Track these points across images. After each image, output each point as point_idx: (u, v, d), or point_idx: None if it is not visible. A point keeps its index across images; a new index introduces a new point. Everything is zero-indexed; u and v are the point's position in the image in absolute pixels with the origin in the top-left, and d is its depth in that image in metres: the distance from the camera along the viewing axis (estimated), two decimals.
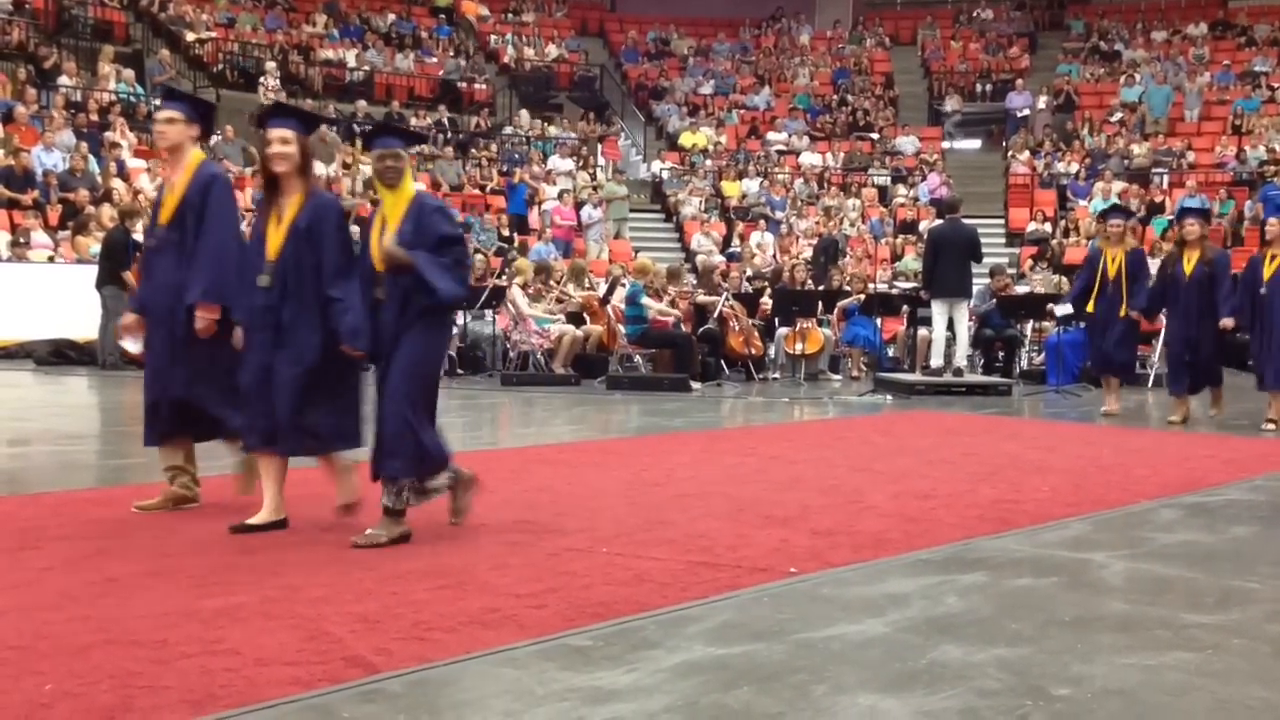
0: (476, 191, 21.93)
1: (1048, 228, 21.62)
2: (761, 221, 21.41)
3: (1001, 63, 28.30)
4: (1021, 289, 16.65)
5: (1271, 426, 9.52)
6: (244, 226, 6.04)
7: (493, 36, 28.02)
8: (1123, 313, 10.42)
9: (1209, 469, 7.36)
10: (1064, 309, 12.05)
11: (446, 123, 23.89)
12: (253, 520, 4.91)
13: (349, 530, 4.88)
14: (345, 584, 4.04)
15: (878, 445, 8.35)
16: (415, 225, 4.76)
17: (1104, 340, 10.66)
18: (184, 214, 5.25)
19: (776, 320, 14.68)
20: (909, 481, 6.53)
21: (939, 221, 14.73)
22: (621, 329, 13.47)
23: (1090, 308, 10.71)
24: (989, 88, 27.57)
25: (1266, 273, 9.51)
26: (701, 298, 14.33)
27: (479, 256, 16.30)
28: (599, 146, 24.57)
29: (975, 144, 27.41)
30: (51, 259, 15.31)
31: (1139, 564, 4.68)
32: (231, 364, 5.04)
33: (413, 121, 23.51)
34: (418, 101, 24.79)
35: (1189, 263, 9.80)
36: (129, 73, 20.77)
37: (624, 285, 13.90)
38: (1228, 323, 9.59)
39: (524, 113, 25.22)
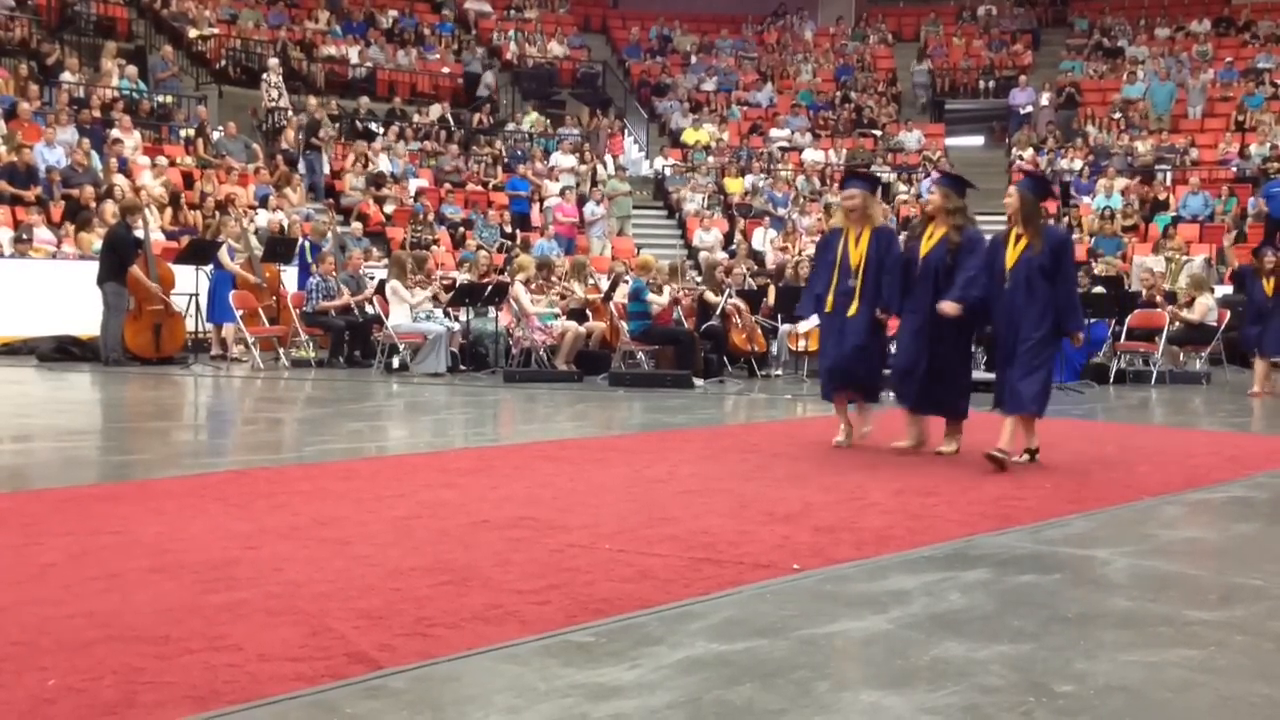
0: (479, 188, 21.93)
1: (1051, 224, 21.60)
2: (765, 218, 21.40)
3: (1005, 59, 28.29)
4: None
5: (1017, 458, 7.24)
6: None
7: (495, 33, 28.01)
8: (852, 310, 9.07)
9: (1212, 466, 7.35)
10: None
11: (450, 119, 23.89)
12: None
13: (347, 525, 4.89)
14: (348, 580, 4.04)
15: (879, 441, 8.34)
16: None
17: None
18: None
19: (779, 317, 14.67)
20: (911, 478, 6.53)
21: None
22: (624, 325, 13.47)
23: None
24: (992, 84, 27.55)
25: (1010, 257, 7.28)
26: (705, 294, 14.32)
27: (481, 253, 16.32)
28: (602, 141, 24.55)
29: (978, 140, 27.39)
30: (54, 255, 15.33)
31: (1142, 561, 4.67)
32: None
33: (415, 118, 23.53)
34: (420, 98, 24.80)
35: (930, 240, 7.52)
36: (131, 69, 20.78)
37: (626, 282, 13.90)
38: (947, 307, 7.16)
39: (531, 114, 25.21)
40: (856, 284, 7.64)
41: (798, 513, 5.44)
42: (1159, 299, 15.11)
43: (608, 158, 24.17)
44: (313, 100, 22.00)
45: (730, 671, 3.21)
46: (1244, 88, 25.21)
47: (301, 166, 20.45)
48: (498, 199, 21.59)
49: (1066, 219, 21.54)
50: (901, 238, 8.28)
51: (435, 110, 24.14)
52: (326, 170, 20.70)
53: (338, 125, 21.67)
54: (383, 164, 20.92)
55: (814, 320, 8.28)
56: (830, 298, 7.76)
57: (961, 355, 7.56)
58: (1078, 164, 23.70)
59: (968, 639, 3.53)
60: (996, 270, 7.14)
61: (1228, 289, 17.34)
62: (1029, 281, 6.98)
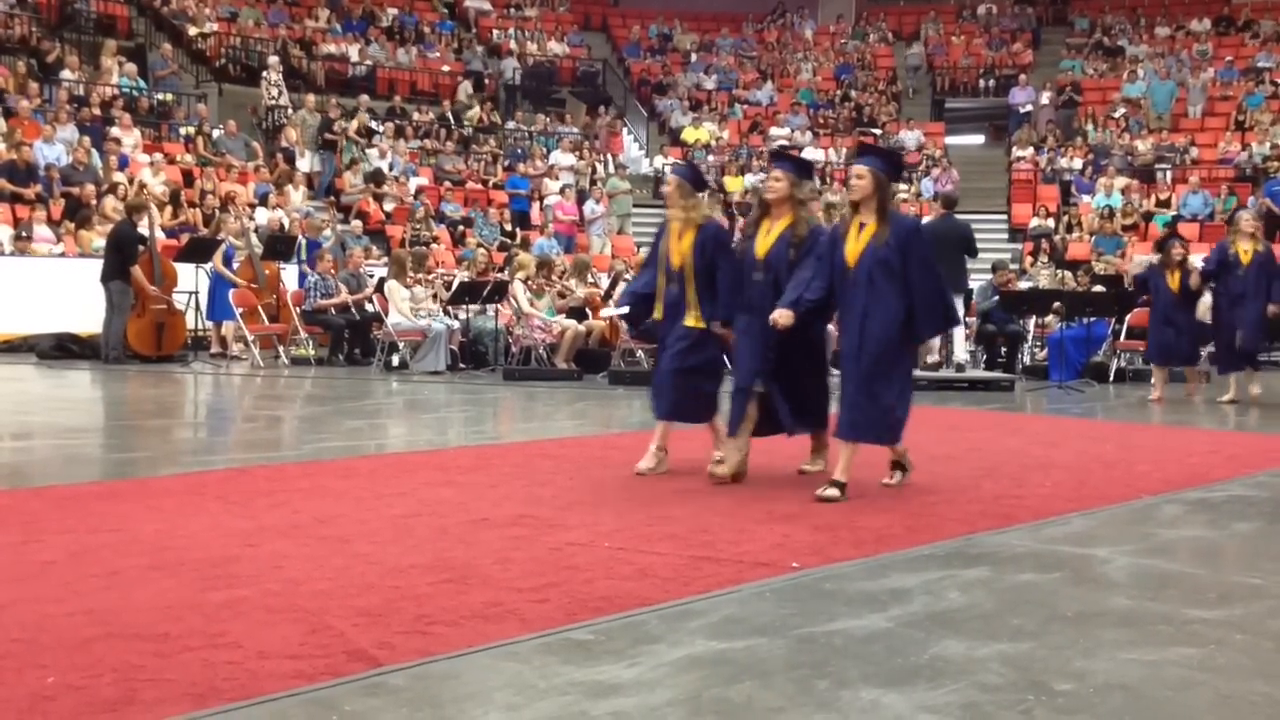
0: (479, 186, 21.92)
1: (1050, 223, 21.61)
2: None
3: (1005, 58, 28.29)
4: (1024, 284, 16.63)
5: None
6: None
7: (495, 31, 28.01)
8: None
9: (1212, 465, 7.35)
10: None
11: (450, 117, 23.88)
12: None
13: (347, 523, 4.89)
14: (347, 578, 4.04)
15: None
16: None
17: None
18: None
19: None
20: (911, 476, 6.52)
21: (930, 217, 14.73)
22: (624, 324, 13.46)
23: None
24: (992, 83, 27.56)
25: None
26: None
27: (481, 251, 16.31)
28: (603, 139, 24.53)
29: (979, 139, 27.39)
30: (62, 254, 15.33)
31: (1141, 559, 4.67)
32: None
33: (414, 116, 23.53)
34: (420, 96, 24.79)
35: (768, 236, 6.34)
36: (131, 67, 20.78)
37: (626, 280, 13.89)
38: (778, 318, 5.96)
39: (535, 114, 25.19)
40: (688, 290, 6.51)
41: (797, 511, 5.44)
42: None
43: (607, 156, 24.15)
44: (311, 98, 21.99)
45: (730, 669, 3.21)
46: (1244, 87, 25.21)
47: (315, 164, 20.42)
48: (497, 197, 21.59)
49: (1066, 218, 21.56)
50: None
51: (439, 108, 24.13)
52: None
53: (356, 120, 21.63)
54: (374, 159, 20.88)
55: (624, 309, 7.12)
56: (660, 303, 6.67)
57: (813, 364, 6.40)
58: (1078, 163, 23.70)
59: (967, 637, 3.54)
60: (837, 266, 5.89)
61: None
62: (872, 278, 5.75)
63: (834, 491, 5.69)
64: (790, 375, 6.25)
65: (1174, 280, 11.64)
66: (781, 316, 5.92)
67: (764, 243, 6.28)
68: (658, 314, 6.71)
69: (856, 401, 5.76)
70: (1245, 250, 11.30)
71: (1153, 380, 12.03)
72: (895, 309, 5.77)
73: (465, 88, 25.06)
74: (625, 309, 7.11)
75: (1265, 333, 11.78)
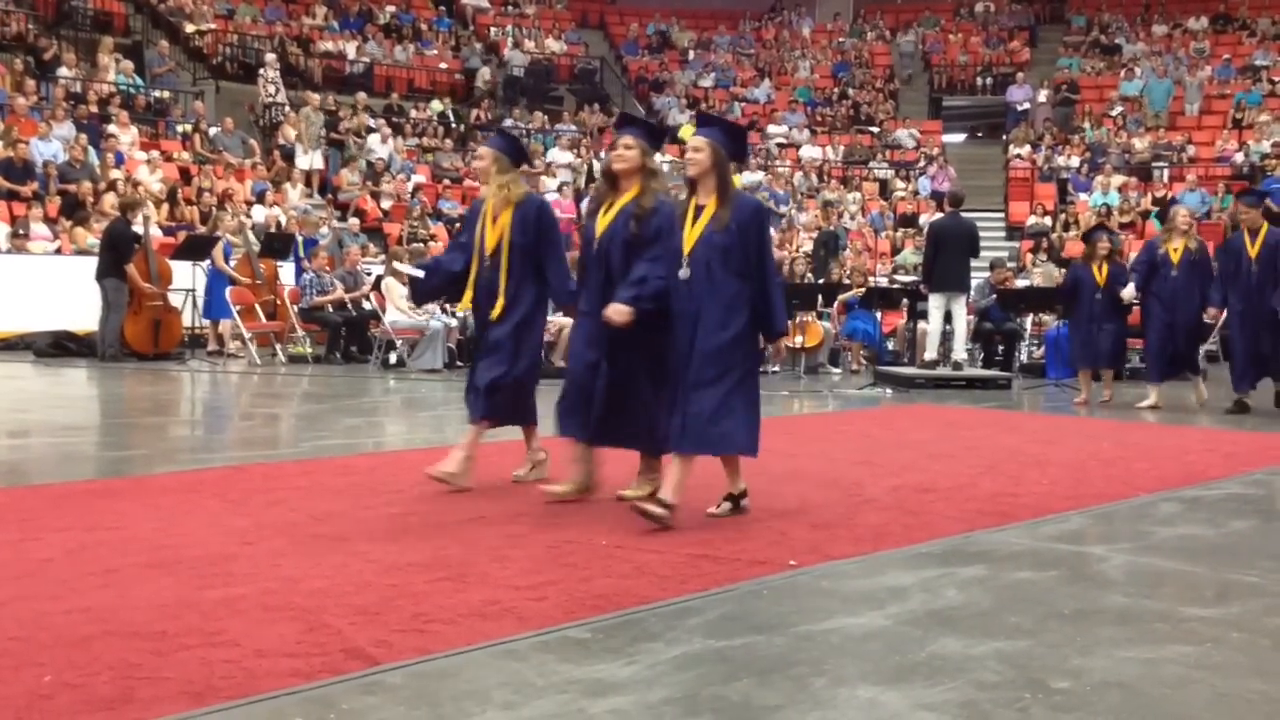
0: (476, 183, 21.89)
1: (1048, 221, 21.62)
2: None
3: (1002, 56, 28.30)
4: (1022, 283, 16.65)
5: None
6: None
7: (492, 29, 28.00)
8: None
9: (1208, 463, 7.36)
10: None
11: (451, 115, 23.86)
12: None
13: (344, 521, 4.89)
14: (345, 576, 4.04)
15: (877, 438, 8.35)
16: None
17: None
18: None
19: None
20: (908, 475, 6.53)
21: (939, 215, 14.72)
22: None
23: None
24: (989, 81, 27.56)
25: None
26: None
27: None
28: (602, 137, 24.52)
29: (959, 138, 27.40)
30: (58, 251, 15.31)
31: (1138, 557, 4.68)
32: None
33: (412, 114, 23.51)
34: (417, 94, 24.77)
35: (608, 213, 5.57)
36: (128, 64, 20.75)
37: None
38: (612, 314, 5.23)
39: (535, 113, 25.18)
40: (500, 276, 5.77)
41: (795, 509, 5.45)
42: None
43: (604, 153, 24.11)
44: (312, 97, 21.97)
45: (727, 667, 3.21)
46: (1241, 85, 25.22)
47: (316, 162, 20.40)
48: None
49: (1064, 216, 21.57)
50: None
51: (436, 106, 24.10)
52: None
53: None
54: (375, 145, 20.85)
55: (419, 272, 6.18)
56: (470, 291, 5.95)
57: (651, 369, 5.34)
58: (1075, 161, 23.71)
59: (964, 635, 3.54)
60: (673, 254, 5.16)
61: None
62: (709, 269, 5.02)
63: (657, 510, 4.89)
64: (620, 381, 5.36)
65: (1100, 275, 11.07)
66: (615, 313, 5.11)
67: (605, 219, 5.46)
68: (466, 302, 6.07)
69: (690, 408, 4.96)
70: (1175, 249, 10.59)
71: (1079, 382, 11.55)
72: (733, 303, 5.02)
73: (484, 73, 25.13)
74: (420, 272, 6.23)
75: (1200, 337, 11.11)
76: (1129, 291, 10.78)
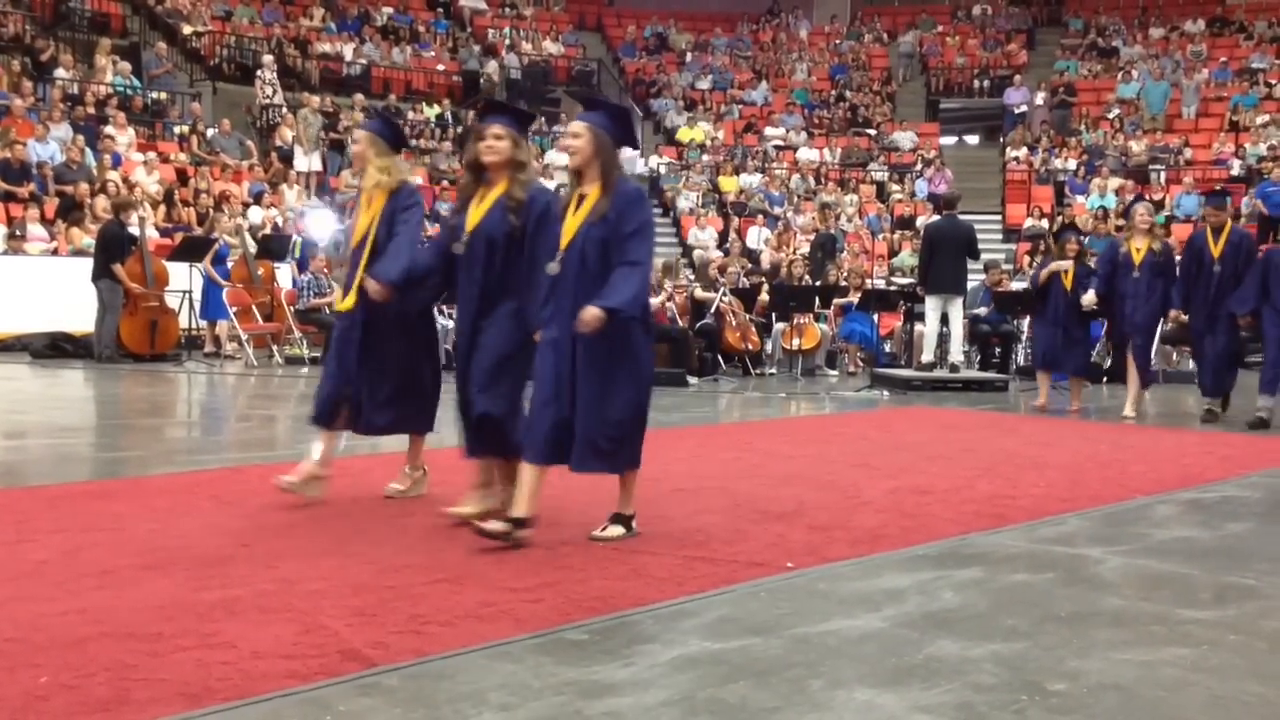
0: None
1: (1045, 224, 21.64)
2: (760, 217, 21.41)
3: (999, 59, 28.32)
4: (1018, 285, 16.65)
5: None
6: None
7: (490, 31, 28.00)
8: None
9: (1205, 465, 7.37)
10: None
11: (450, 117, 23.86)
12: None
13: (341, 523, 4.89)
14: (342, 577, 4.03)
15: (874, 441, 8.36)
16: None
17: None
18: None
19: (774, 315, 14.68)
20: (905, 477, 6.53)
21: (936, 218, 14.73)
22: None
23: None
24: (987, 84, 27.59)
25: None
26: (699, 293, 14.33)
27: None
28: None
29: (973, 139, 27.43)
30: (55, 252, 15.30)
31: (1135, 560, 4.68)
32: None
33: (409, 115, 23.51)
34: (415, 95, 24.77)
35: (481, 205, 5.15)
36: (125, 65, 20.75)
37: None
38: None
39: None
40: (360, 270, 5.34)
41: (792, 511, 5.45)
42: None
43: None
44: (312, 99, 21.96)
45: (724, 670, 3.21)
46: (1238, 88, 25.26)
47: (315, 164, 20.38)
48: None
49: (1061, 218, 21.59)
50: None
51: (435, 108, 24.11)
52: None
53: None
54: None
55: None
56: (340, 290, 5.57)
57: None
58: (1072, 164, 23.74)
59: (961, 637, 3.54)
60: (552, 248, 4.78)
61: None
62: (586, 265, 4.62)
63: (613, 530, 4.74)
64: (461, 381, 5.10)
65: (1067, 278, 10.72)
66: (592, 318, 4.49)
67: (477, 212, 5.00)
68: (339, 301, 5.60)
69: (565, 418, 4.58)
70: (1138, 249, 10.17)
71: (1037, 384, 11.22)
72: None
73: (491, 67, 25.14)
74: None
75: (1152, 340, 10.75)
76: (1088, 298, 10.36)
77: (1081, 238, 11.74)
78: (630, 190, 4.80)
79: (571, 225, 4.69)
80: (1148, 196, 21.95)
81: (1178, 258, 10.40)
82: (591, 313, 4.44)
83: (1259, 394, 9.51)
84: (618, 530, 4.79)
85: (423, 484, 5.69)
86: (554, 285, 4.67)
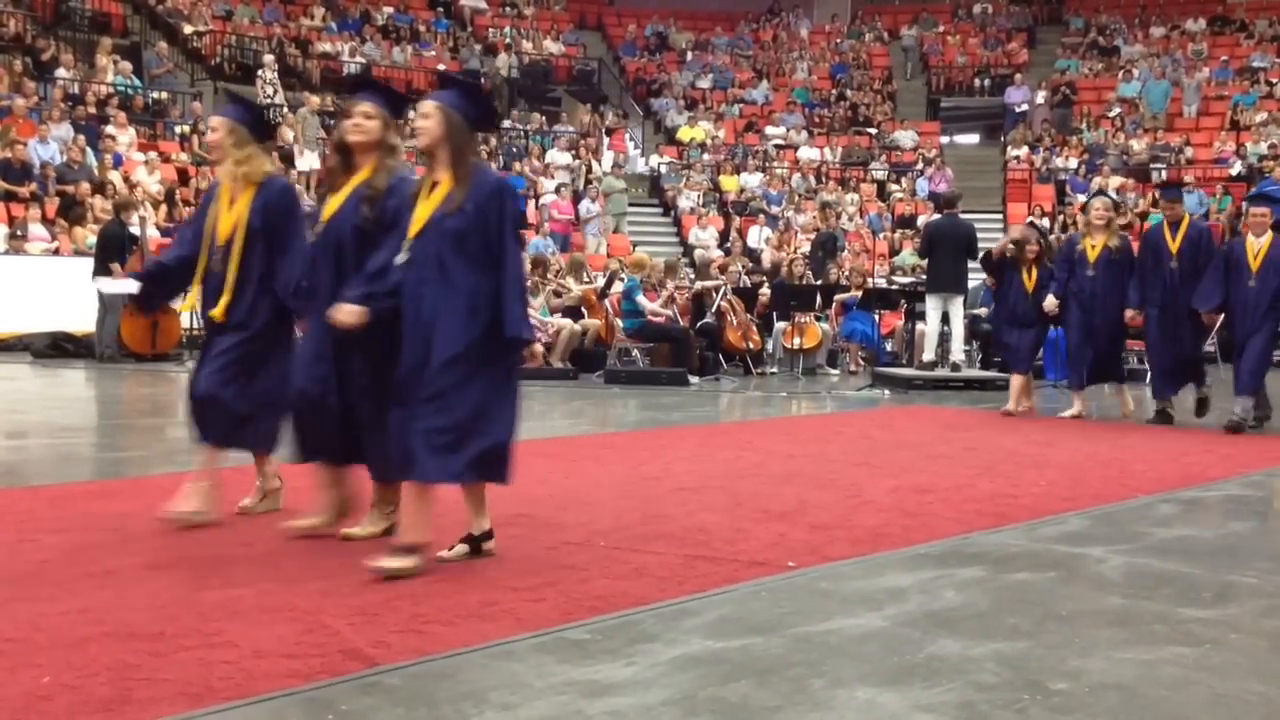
0: None
1: (1046, 223, 21.63)
2: (760, 216, 21.41)
3: (1000, 57, 28.32)
4: None
5: None
6: None
7: (491, 30, 28.00)
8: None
9: (1206, 464, 7.37)
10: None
11: None
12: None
13: (345, 522, 4.89)
14: (343, 577, 4.03)
15: (875, 440, 8.36)
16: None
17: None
18: None
19: (774, 315, 14.68)
20: (907, 476, 6.53)
21: (937, 216, 14.72)
22: (619, 323, 13.47)
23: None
24: (987, 83, 27.59)
25: None
26: (701, 284, 14.33)
27: None
28: (605, 140, 24.51)
29: (974, 138, 27.43)
30: (56, 252, 15.30)
31: (1136, 559, 4.68)
32: None
33: (411, 115, 23.48)
34: (415, 94, 24.75)
35: (339, 199, 4.79)
36: (126, 65, 20.74)
37: (622, 279, 13.91)
38: (340, 315, 4.34)
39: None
40: (229, 271, 4.90)
41: (793, 510, 5.44)
42: None
43: (608, 154, 24.08)
44: (311, 99, 21.97)
45: (725, 669, 3.21)
46: (1239, 86, 25.25)
47: (313, 163, 20.35)
48: None
49: (1062, 218, 21.59)
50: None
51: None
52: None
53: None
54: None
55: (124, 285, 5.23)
56: (197, 286, 5.08)
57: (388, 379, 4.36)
58: (1073, 162, 23.73)
59: (963, 636, 3.54)
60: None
61: None
62: (440, 260, 4.19)
63: (398, 563, 4.07)
64: (357, 393, 4.52)
65: (1030, 279, 10.25)
66: (342, 313, 4.25)
67: (335, 201, 4.60)
68: (192, 300, 5.22)
69: (419, 429, 4.11)
70: (1094, 246, 9.71)
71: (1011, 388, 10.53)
72: (473, 300, 4.18)
73: (502, 60, 25.17)
74: (134, 285, 5.34)
75: (1120, 340, 10.21)
76: (1049, 302, 9.92)
77: (1043, 235, 11.08)
78: (490, 180, 4.37)
79: (422, 214, 4.24)
80: (1150, 195, 22.01)
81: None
82: (511, 342, 4.23)
83: (1234, 395, 9.19)
84: (463, 550, 4.34)
85: (277, 498, 5.22)
86: (394, 276, 4.25)
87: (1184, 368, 9.60)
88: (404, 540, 4.15)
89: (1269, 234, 9.17)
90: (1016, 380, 10.43)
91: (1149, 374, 10.20)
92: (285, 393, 4.79)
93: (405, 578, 4.00)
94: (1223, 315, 9.57)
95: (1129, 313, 9.60)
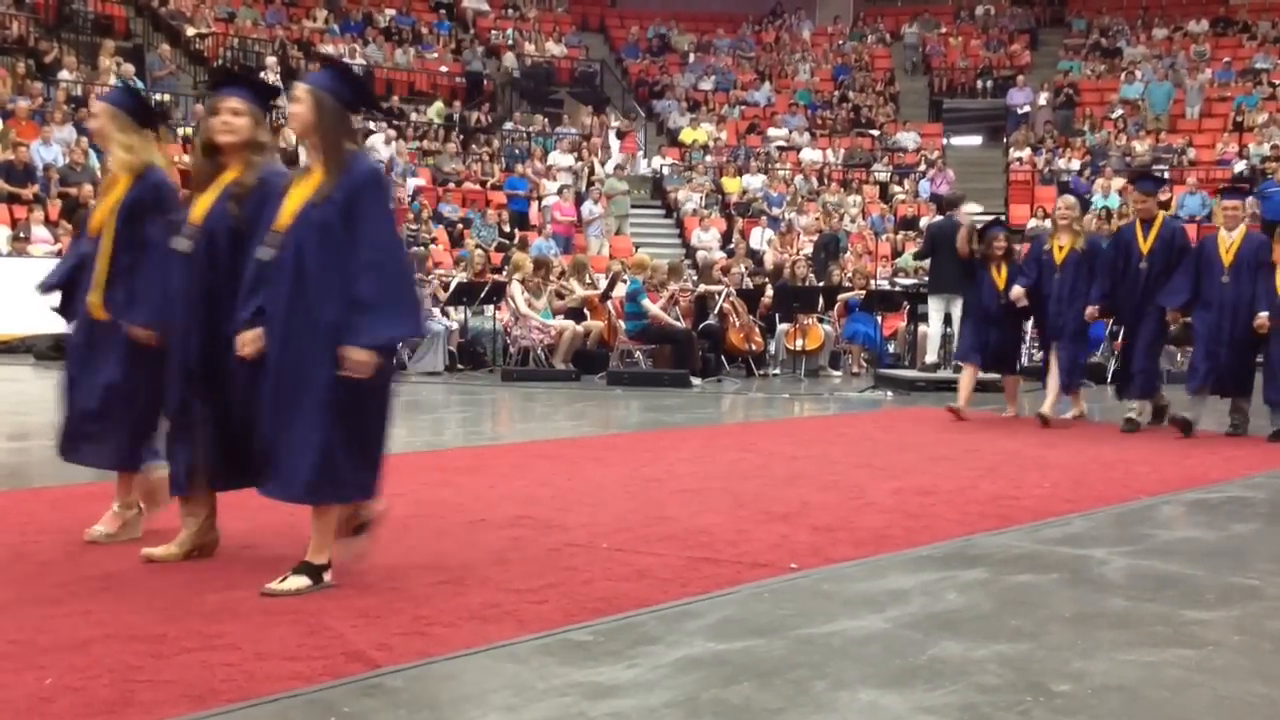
0: (477, 187, 21.92)
1: (1048, 224, 21.61)
2: (762, 218, 21.41)
3: (1002, 59, 28.31)
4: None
5: None
6: None
7: (493, 32, 28.02)
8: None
9: (1209, 466, 7.36)
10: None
11: (457, 119, 23.87)
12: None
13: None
14: (346, 579, 4.04)
15: (878, 441, 8.35)
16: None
17: None
18: None
19: (777, 316, 14.68)
20: (909, 477, 6.53)
21: (939, 218, 14.71)
22: (622, 324, 13.47)
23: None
24: (990, 84, 27.58)
25: None
26: (704, 288, 14.33)
27: (479, 252, 16.28)
28: (618, 142, 24.52)
29: (976, 140, 27.40)
30: (59, 254, 15.31)
31: (1139, 560, 4.68)
32: None
33: (413, 116, 23.52)
34: (418, 96, 24.79)
35: (209, 196, 4.50)
36: (129, 67, 20.74)
37: (624, 281, 13.91)
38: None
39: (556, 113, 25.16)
40: (98, 263, 4.60)
41: (795, 512, 5.44)
42: None
43: (620, 155, 24.06)
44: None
45: (728, 670, 3.21)
46: (1241, 88, 25.23)
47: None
48: (496, 198, 21.58)
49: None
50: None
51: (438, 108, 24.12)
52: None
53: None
54: (378, 147, 20.94)
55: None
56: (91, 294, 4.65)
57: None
58: (1075, 164, 23.71)
59: (965, 638, 3.54)
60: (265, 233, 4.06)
61: None
62: (303, 255, 3.90)
63: (295, 582, 3.89)
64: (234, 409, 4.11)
65: (1000, 276, 9.75)
66: (246, 344, 3.95)
67: (202, 202, 4.25)
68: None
69: (278, 441, 3.89)
70: (1060, 247, 9.38)
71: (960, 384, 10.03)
72: (334, 298, 3.87)
73: (509, 59, 25.11)
74: (54, 295, 4.98)
75: (1083, 344, 9.89)
76: (1016, 291, 9.48)
77: (1009, 233, 10.51)
78: (364, 169, 4.02)
79: (291, 205, 3.93)
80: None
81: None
82: (356, 357, 3.81)
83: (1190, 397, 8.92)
84: (301, 581, 3.92)
85: (137, 526, 4.70)
86: (263, 276, 3.95)
87: (1154, 370, 9.24)
88: (308, 559, 3.95)
89: (1242, 228, 8.94)
90: (966, 377, 9.95)
91: (1121, 377, 9.77)
92: (153, 406, 4.46)
93: (296, 596, 3.80)
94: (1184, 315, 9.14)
95: (1089, 310, 9.25)
